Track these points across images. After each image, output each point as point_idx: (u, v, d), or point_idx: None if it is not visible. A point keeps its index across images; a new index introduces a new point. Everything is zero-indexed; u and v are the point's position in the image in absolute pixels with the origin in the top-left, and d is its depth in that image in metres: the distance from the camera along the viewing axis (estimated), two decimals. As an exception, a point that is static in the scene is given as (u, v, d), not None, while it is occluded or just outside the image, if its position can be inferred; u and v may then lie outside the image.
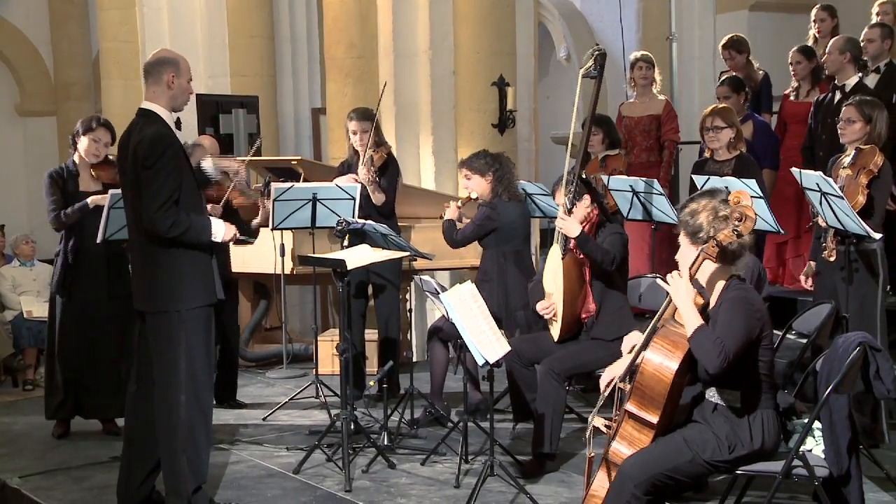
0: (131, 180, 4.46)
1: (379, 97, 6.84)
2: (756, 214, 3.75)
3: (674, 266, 3.89)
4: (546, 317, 5.30)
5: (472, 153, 6.31)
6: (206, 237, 4.53)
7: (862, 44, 6.77)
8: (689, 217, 3.80)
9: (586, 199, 5.21)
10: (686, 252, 3.82)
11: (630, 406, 3.79)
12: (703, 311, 3.84)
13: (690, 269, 3.75)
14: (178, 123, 4.62)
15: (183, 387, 4.45)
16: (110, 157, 5.96)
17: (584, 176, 5.27)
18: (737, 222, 3.69)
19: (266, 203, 6.40)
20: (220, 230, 4.59)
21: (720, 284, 3.79)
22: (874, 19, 7.27)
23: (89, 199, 5.82)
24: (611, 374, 4.04)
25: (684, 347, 3.69)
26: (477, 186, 6.07)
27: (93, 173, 5.93)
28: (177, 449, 4.47)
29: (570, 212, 5.14)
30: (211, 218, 4.64)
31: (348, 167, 6.69)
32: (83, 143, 5.90)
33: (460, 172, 6.18)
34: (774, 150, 7.54)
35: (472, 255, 6.92)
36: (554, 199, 5.51)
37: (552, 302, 5.26)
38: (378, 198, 6.48)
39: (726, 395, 3.77)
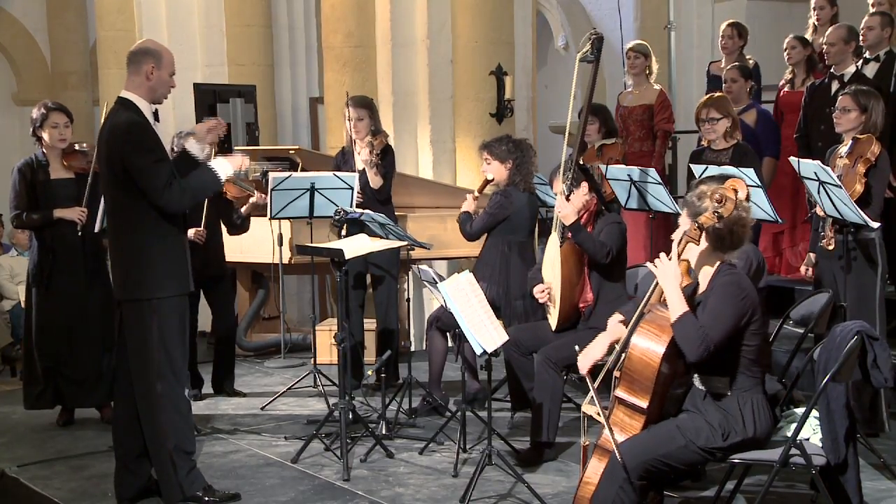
0: (106, 167, 4.47)
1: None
2: (737, 196, 3.73)
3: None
4: (541, 300, 5.30)
5: (495, 137, 6.27)
6: (217, 186, 4.58)
7: (861, 31, 6.75)
8: (695, 199, 3.79)
9: (584, 186, 5.21)
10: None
11: (620, 392, 3.80)
12: (693, 293, 3.85)
13: (675, 251, 3.76)
14: (155, 115, 4.58)
15: (160, 375, 4.48)
16: (78, 148, 5.97)
17: (581, 163, 5.26)
18: (716, 204, 3.69)
19: (260, 196, 6.39)
20: (226, 167, 4.56)
21: (710, 270, 3.79)
22: (871, 8, 7.26)
23: (55, 212, 5.82)
24: (589, 359, 4.06)
25: (671, 331, 3.69)
26: (495, 171, 6.04)
27: (64, 163, 5.91)
28: (160, 435, 4.51)
29: (567, 199, 5.14)
30: (211, 161, 4.59)
31: (342, 154, 6.74)
32: (46, 134, 5.89)
33: (481, 154, 6.15)
34: (776, 138, 7.53)
35: (469, 244, 6.91)
36: (552, 188, 5.50)
37: (549, 285, 5.25)
38: (376, 181, 6.49)
39: (712, 382, 3.78)
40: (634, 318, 3.87)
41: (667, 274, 3.73)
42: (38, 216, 5.84)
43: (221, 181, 4.57)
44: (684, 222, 3.84)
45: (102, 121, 4.60)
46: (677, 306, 3.67)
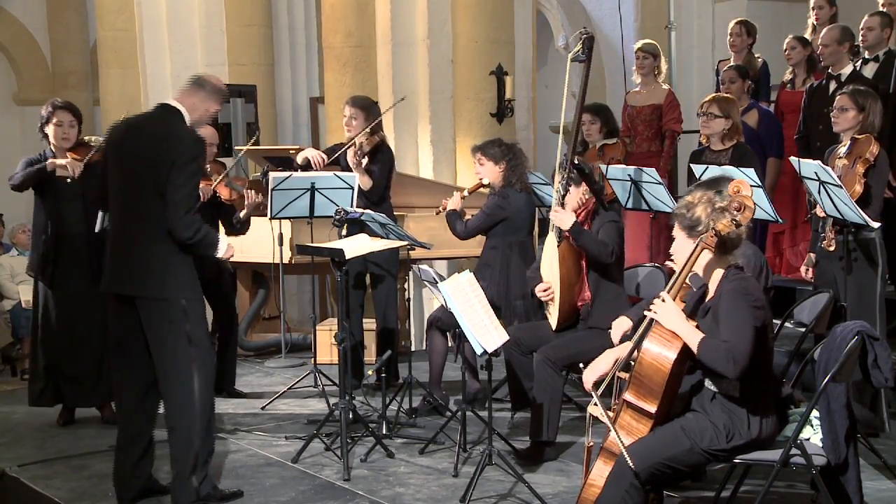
0: (146, 169, 4.38)
1: (389, 107, 6.81)
2: (755, 204, 3.75)
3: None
4: (543, 300, 5.30)
5: (486, 140, 6.31)
6: (212, 251, 4.58)
7: (861, 32, 6.77)
8: (685, 210, 3.77)
9: (581, 185, 5.21)
10: (682, 245, 3.79)
11: (628, 396, 3.78)
12: (702, 299, 3.85)
13: (688, 261, 3.74)
14: None
15: (197, 373, 4.46)
16: (83, 139, 5.95)
17: (577, 161, 5.26)
18: (735, 212, 3.68)
19: (251, 195, 6.38)
20: (224, 247, 4.64)
21: (718, 274, 3.78)
22: (880, 7, 7.25)
23: (48, 162, 5.78)
24: (594, 373, 4.02)
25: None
26: (489, 173, 6.06)
27: (69, 157, 5.91)
28: (189, 439, 4.48)
29: (563, 198, 5.14)
30: (219, 235, 4.67)
31: (336, 146, 6.71)
32: (50, 132, 5.89)
33: (473, 157, 6.16)
34: (779, 138, 7.53)
35: (469, 244, 6.90)
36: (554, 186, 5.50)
37: (550, 284, 5.25)
38: (364, 181, 6.44)
39: (722, 384, 3.77)
40: (646, 323, 3.85)
41: (669, 314, 3.70)
42: (30, 171, 5.78)
43: (217, 253, 4.59)
44: (679, 235, 3.81)
45: (138, 118, 4.59)
46: (692, 338, 3.64)
